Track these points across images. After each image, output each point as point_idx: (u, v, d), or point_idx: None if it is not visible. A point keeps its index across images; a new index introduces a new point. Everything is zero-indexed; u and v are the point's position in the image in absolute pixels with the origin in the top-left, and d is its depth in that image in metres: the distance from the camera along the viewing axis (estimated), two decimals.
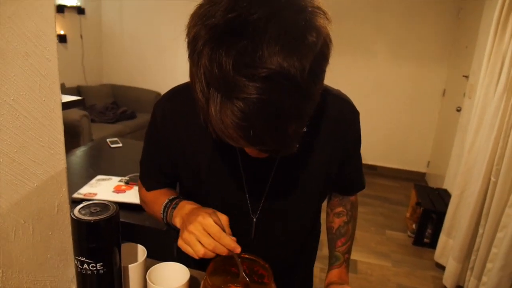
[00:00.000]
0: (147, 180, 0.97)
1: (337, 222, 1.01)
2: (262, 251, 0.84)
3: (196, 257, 0.70)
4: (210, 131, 0.58)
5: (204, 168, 0.85)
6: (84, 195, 1.60)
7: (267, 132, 0.53)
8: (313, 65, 0.52)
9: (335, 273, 0.96)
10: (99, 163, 2.18)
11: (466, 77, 3.39)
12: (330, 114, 0.84)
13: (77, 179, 1.78)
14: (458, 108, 3.47)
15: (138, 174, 1.80)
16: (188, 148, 0.85)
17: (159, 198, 0.90)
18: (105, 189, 1.68)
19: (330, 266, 0.99)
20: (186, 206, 0.81)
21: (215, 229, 0.70)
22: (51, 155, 0.67)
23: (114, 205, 0.67)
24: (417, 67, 4.33)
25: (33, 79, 0.60)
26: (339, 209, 1.02)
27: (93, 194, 1.61)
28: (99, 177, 1.80)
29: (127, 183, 1.75)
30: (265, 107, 0.50)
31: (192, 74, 0.56)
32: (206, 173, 0.85)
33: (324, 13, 0.55)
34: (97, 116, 4.16)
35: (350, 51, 4.36)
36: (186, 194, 0.92)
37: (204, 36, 0.52)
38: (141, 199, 1.01)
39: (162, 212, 0.87)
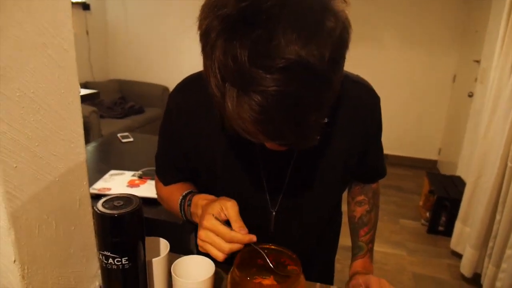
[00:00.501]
0: (163, 174, 0.95)
1: (359, 211, 0.99)
2: (283, 243, 0.82)
3: (220, 260, 0.69)
4: (226, 126, 0.56)
5: (219, 162, 0.83)
6: (99, 190, 1.59)
7: (287, 125, 0.51)
8: (332, 52, 0.49)
9: (359, 263, 0.95)
10: (111, 158, 2.18)
11: (478, 62, 3.33)
12: (350, 101, 0.81)
13: (90, 174, 1.77)
14: (470, 94, 3.41)
15: (151, 168, 1.80)
16: (203, 141, 0.82)
17: (174, 195, 0.89)
18: (119, 183, 1.67)
19: (354, 257, 0.97)
20: (199, 203, 0.79)
21: (222, 230, 0.67)
22: (71, 148, 0.66)
23: (137, 198, 0.66)
24: (426, 54, 4.27)
25: (52, 71, 0.58)
26: (361, 197, 1.00)
27: (107, 189, 1.61)
28: (112, 172, 1.79)
29: (140, 177, 1.74)
30: (284, 99, 0.48)
31: (206, 68, 0.54)
32: (222, 168, 0.83)
33: None
34: (105, 111, 4.16)
35: (359, 40, 4.28)
36: (203, 188, 0.91)
37: (217, 28, 0.49)
38: (158, 194, 1.00)
39: (180, 212, 0.86)
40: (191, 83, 0.83)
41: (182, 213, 0.85)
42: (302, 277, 0.69)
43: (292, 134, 0.53)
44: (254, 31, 0.47)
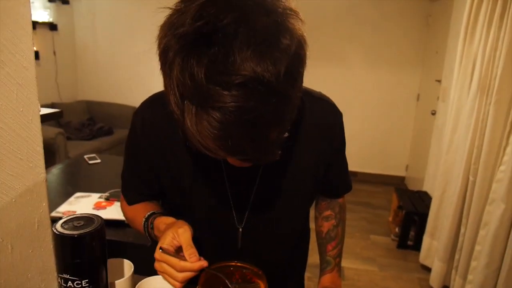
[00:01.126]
0: (129, 193, 0.93)
1: (326, 226, 1.00)
2: (250, 259, 0.81)
3: None
4: (189, 143, 0.56)
5: (186, 179, 0.82)
6: (63, 213, 1.54)
7: (246, 141, 0.52)
8: (288, 67, 0.50)
9: (327, 278, 0.95)
10: (77, 180, 2.12)
11: (439, 81, 3.49)
12: (313, 116, 0.83)
13: (54, 197, 1.72)
14: (433, 112, 3.56)
15: (119, 189, 1.76)
16: (170, 158, 0.82)
17: (138, 216, 0.87)
18: (84, 206, 1.62)
19: (322, 271, 0.97)
20: (160, 227, 0.78)
21: (171, 262, 0.68)
22: (30, 168, 0.64)
23: (99, 218, 0.64)
24: (391, 74, 4.44)
25: (10, 88, 0.57)
26: (327, 212, 1.01)
27: (73, 212, 1.56)
28: (78, 194, 1.74)
29: (107, 199, 1.70)
30: (242, 115, 0.49)
31: (166, 86, 0.54)
32: (189, 185, 0.83)
33: (296, 14, 0.54)
34: (73, 133, 4.06)
35: (325, 61, 4.43)
36: (170, 206, 0.89)
37: (174, 46, 0.50)
38: (123, 214, 0.98)
39: (146, 235, 0.84)
40: (157, 100, 0.83)
41: (147, 236, 0.84)
42: None
43: (252, 150, 0.53)
44: (211, 49, 0.48)
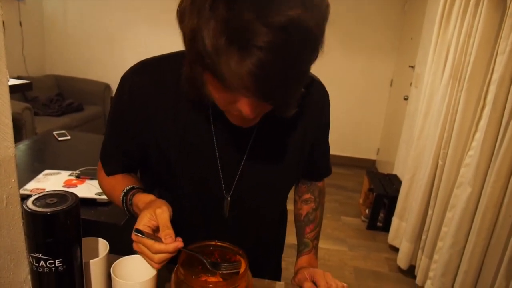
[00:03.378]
0: (108, 162, 0.90)
1: (305, 209, 1.01)
2: (236, 231, 0.83)
3: (156, 268, 0.68)
4: (205, 96, 0.60)
5: (175, 146, 0.79)
6: (31, 191, 1.48)
7: (281, 83, 0.53)
8: (323, 21, 0.54)
9: (304, 259, 0.96)
10: (46, 157, 2.04)
11: (412, 67, 3.55)
12: (315, 90, 0.86)
13: (22, 174, 1.65)
14: (406, 97, 3.63)
15: (90, 167, 1.71)
16: (158, 125, 0.79)
17: (115, 189, 0.84)
18: (54, 184, 1.57)
19: (300, 253, 0.98)
20: (139, 205, 0.76)
21: (147, 243, 0.67)
22: None
23: (74, 196, 0.61)
24: (366, 59, 4.48)
25: None
26: (307, 195, 1.02)
27: (41, 189, 1.50)
28: (46, 171, 1.68)
29: (78, 177, 1.64)
30: (283, 55, 0.50)
31: (193, 31, 0.53)
32: (178, 151, 0.80)
33: None
34: (40, 108, 3.89)
35: None
36: (155, 177, 0.86)
37: None
38: (100, 185, 0.94)
39: (124, 210, 0.82)
40: (148, 66, 0.79)
41: (125, 210, 0.82)
42: (248, 273, 0.68)
43: (282, 94, 0.55)
44: None
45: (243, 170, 0.82)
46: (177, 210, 0.76)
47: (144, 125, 0.79)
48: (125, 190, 0.81)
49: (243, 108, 0.58)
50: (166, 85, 0.77)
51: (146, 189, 0.84)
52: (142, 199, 0.76)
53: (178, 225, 0.78)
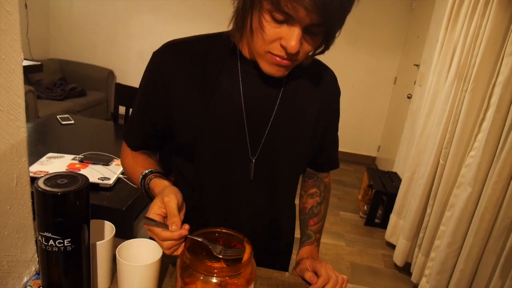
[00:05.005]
0: (132, 134, 0.93)
1: (310, 202, 1.03)
2: (259, 196, 0.89)
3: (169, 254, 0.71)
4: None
5: (201, 112, 0.82)
6: (34, 173, 1.49)
7: (333, 2, 0.63)
8: None
9: (306, 249, 0.97)
10: (49, 141, 2.05)
11: (417, 65, 3.54)
12: (322, 80, 0.93)
13: None
14: (409, 95, 3.63)
15: (94, 152, 1.72)
16: (186, 94, 0.82)
17: (136, 170, 0.88)
18: (57, 167, 1.58)
19: (302, 244, 0.99)
20: (155, 190, 0.79)
21: (155, 231, 0.69)
22: (10, 121, 0.60)
23: (84, 177, 0.62)
24: (371, 56, 4.46)
25: None
26: (313, 190, 1.03)
27: (45, 172, 1.51)
28: (50, 154, 1.69)
29: (81, 161, 1.65)
30: None
31: None
32: (203, 117, 0.82)
33: None
34: (43, 92, 3.89)
35: None
36: (178, 149, 0.89)
37: None
38: (122, 163, 0.97)
39: (142, 191, 0.85)
40: (177, 44, 0.85)
41: (144, 192, 0.85)
42: (252, 260, 0.69)
43: (333, 16, 0.66)
44: None
45: (267, 136, 0.85)
46: (197, 185, 0.86)
47: (172, 96, 0.82)
48: (143, 173, 0.84)
49: (290, 40, 0.67)
50: (195, 59, 0.82)
51: (164, 173, 0.86)
52: (158, 184, 0.79)
53: (199, 199, 0.86)
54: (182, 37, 0.86)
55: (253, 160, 0.86)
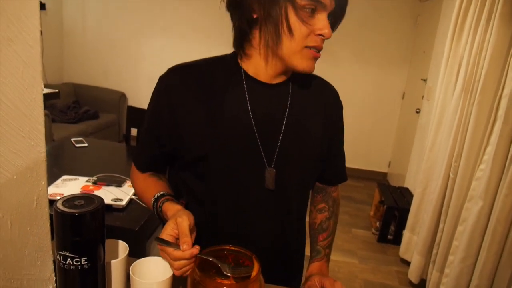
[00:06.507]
0: (141, 155, 0.97)
1: (319, 218, 1.04)
2: (271, 210, 0.91)
3: (177, 275, 0.74)
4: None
5: (210, 129, 0.85)
6: (50, 195, 1.53)
7: None
8: None
9: (316, 266, 0.98)
10: (64, 163, 2.10)
11: (424, 80, 3.56)
12: (325, 95, 0.98)
13: None
14: (417, 110, 3.63)
15: (107, 174, 1.76)
16: (193, 115, 0.85)
17: (148, 192, 0.91)
18: (72, 189, 1.62)
19: (311, 259, 1.01)
20: (168, 214, 0.82)
21: (167, 251, 0.72)
22: (31, 146, 0.64)
23: (99, 198, 0.66)
24: (379, 72, 4.50)
25: (16, 66, 0.57)
26: (322, 205, 1.05)
27: (60, 194, 1.55)
28: (64, 177, 1.73)
29: (95, 183, 1.70)
30: None
31: None
32: (214, 133, 0.85)
33: None
34: (58, 115, 4.00)
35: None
36: (191, 164, 0.91)
37: None
38: (133, 184, 1.01)
39: (154, 213, 0.88)
40: (183, 67, 0.88)
41: (156, 214, 0.88)
42: (260, 277, 0.71)
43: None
44: None
45: (281, 145, 0.88)
46: (208, 199, 0.89)
47: (178, 116, 0.85)
48: (156, 196, 0.87)
49: (324, 27, 0.77)
50: (199, 80, 0.86)
51: (175, 195, 0.90)
52: (170, 208, 0.82)
53: (210, 213, 0.88)
54: (187, 61, 0.90)
55: (269, 169, 0.88)
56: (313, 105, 0.94)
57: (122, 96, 4.77)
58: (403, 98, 4.48)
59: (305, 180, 0.97)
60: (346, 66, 4.52)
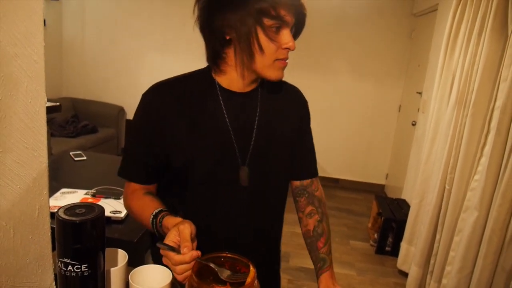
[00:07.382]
0: (127, 170, 1.00)
1: (311, 223, 1.05)
2: (251, 205, 0.98)
3: (180, 281, 0.76)
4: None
5: (190, 133, 0.92)
6: (49, 208, 1.55)
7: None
8: None
9: (327, 277, 1.00)
10: (63, 176, 2.12)
11: (420, 93, 3.61)
12: (291, 95, 1.09)
13: None
14: (413, 123, 3.67)
15: (106, 187, 1.78)
16: (174, 128, 0.92)
17: (144, 211, 0.92)
18: (70, 202, 1.60)
19: (320, 270, 1.02)
20: (169, 227, 0.83)
21: (169, 255, 0.75)
22: (34, 157, 0.67)
23: (100, 207, 0.68)
24: (375, 85, 4.56)
25: (21, 80, 0.60)
26: (309, 208, 1.06)
27: (58, 207, 1.56)
28: (63, 190, 1.75)
29: (94, 196, 1.71)
30: None
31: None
32: (191, 134, 0.93)
33: None
34: (56, 129, 4.02)
35: (312, 70, 4.53)
36: (174, 175, 0.97)
37: None
38: (126, 206, 1.01)
39: (154, 231, 0.89)
40: (163, 85, 0.96)
41: (155, 231, 0.89)
42: (256, 282, 0.73)
43: (303, 14, 0.89)
44: None
45: (255, 140, 0.96)
46: (194, 205, 0.96)
47: (162, 129, 0.92)
48: (154, 212, 0.89)
49: (290, 41, 0.86)
50: (178, 94, 0.94)
51: (170, 210, 0.92)
52: (171, 221, 0.84)
53: (198, 219, 0.88)
54: (167, 78, 0.98)
55: (243, 167, 0.95)
56: (281, 106, 1.03)
57: (121, 111, 4.81)
58: (399, 111, 4.54)
59: (279, 176, 1.04)
60: (343, 80, 4.58)
